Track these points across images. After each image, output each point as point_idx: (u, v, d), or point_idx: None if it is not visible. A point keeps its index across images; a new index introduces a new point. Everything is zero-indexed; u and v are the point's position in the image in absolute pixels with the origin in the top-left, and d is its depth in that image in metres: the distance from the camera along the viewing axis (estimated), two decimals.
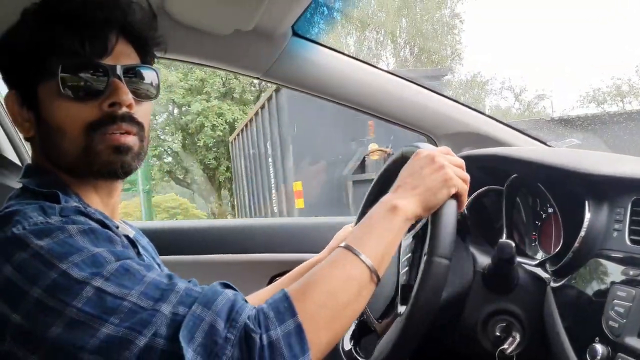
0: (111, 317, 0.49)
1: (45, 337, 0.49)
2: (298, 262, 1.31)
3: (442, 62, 13.60)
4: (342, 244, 0.61)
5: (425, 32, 13.41)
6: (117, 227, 0.64)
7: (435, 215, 0.65)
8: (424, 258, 0.64)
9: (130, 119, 0.62)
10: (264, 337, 0.50)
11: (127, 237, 0.65)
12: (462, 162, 0.69)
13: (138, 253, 0.66)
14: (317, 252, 1.01)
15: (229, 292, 0.54)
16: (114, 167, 0.61)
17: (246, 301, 0.55)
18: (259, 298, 0.91)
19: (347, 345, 0.88)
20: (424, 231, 0.72)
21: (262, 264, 1.31)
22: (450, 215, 0.64)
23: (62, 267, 0.50)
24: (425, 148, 0.70)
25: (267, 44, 1.05)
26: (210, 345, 0.49)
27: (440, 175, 0.65)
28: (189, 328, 0.49)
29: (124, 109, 0.61)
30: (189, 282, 0.57)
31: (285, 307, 0.53)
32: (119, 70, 0.61)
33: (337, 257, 0.59)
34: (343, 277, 0.57)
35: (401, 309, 0.73)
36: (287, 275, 0.96)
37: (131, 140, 0.62)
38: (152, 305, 0.50)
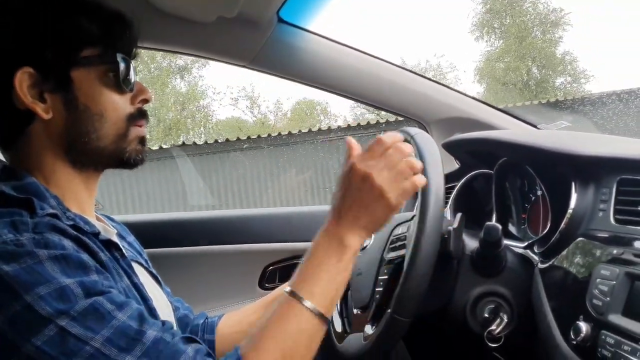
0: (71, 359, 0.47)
1: None
2: (292, 251, 1.32)
3: None
4: (287, 289, 0.59)
5: None
6: (98, 233, 0.62)
7: (409, 269, 0.64)
8: (388, 312, 0.66)
9: (147, 116, 0.68)
10: None
11: (109, 241, 0.63)
12: (406, 151, 0.63)
13: (122, 255, 0.65)
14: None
15: (190, 352, 0.53)
16: (140, 155, 0.67)
17: (209, 354, 0.55)
18: (239, 315, 0.90)
19: (339, 326, 0.89)
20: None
21: (256, 254, 1.32)
22: (422, 278, 0.64)
23: (27, 300, 0.48)
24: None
25: (252, 31, 1.04)
26: None
27: (383, 199, 0.60)
28: None
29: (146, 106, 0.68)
30: (163, 324, 0.56)
31: None
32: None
33: (285, 309, 0.58)
34: (294, 332, 0.56)
35: (368, 328, 0.75)
36: (265, 297, 0.95)
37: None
38: (115, 355, 0.49)
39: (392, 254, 0.81)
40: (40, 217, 0.55)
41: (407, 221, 0.83)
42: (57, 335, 0.47)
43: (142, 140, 0.67)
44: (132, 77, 0.65)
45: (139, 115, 0.66)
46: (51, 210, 0.57)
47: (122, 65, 0.63)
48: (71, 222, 0.58)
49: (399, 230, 0.83)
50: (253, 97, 12.71)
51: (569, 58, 13.25)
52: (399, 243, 0.80)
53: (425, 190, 0.66)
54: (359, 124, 6.49)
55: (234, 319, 0.89)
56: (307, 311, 0.57)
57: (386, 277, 0.78)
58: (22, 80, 0.58)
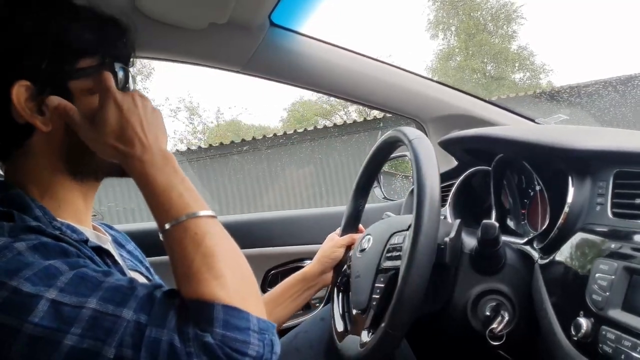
0: (72, 327, 0.47)
1: (9, 356, 0.47)
2: (293, 255, 1.31)
3: None
4: (170, 223, 0.55)
5: None
6: (86, 240, 0.62)
7: (402, 285, 0.63)
8: (382, 326, 0.65)
9: None
10: (214, 334, 0.49)
11: (99, 248, 0.63)
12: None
13: (115, 262, 0.64)
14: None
15: (176, 301, 0.52)
16: None
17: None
18: None
19: (340, 326, 0.89)
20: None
21: (257, 258, 1.31)
22: (416, 294, 0.63)
23: (13, 284, 0.48)
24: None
25: (245, 36, 1.04)
26: None
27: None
28: (150, 352, 0.48)
29: None
30: (153, 285, 0.54)
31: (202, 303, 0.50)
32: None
33: (194, 232, 0.54)
34: (230, 246, 0.55)
35: (364, 335, 0.75)
36: (277, 287, 0.96)
37: None
38: (113, 310, 0.49)
39: (388, 263, 0.81)
40: (18, 224, 0.55)
41: (403, 230, 0.83)
42: (51, 309, 0.47)
43: None
44: (131, 85, 0.65)
45: None
46: (33, 223, 0.56)
47: (120, 75, 0.63)
48: (57, 232, 0.58)
49: (395, 240, 0.83)
50: (192, 107, 12.50)
51: (526, 53, 13.15)
52: (395, 253, 0.81)
53: (420, 201, 0.65)
54: (354, 121, 6.49)
55: None
56: (209, 218, 0.56)
57: (382, 285, 0.79)
58: (20, 93, 0.58)
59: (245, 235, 1.33)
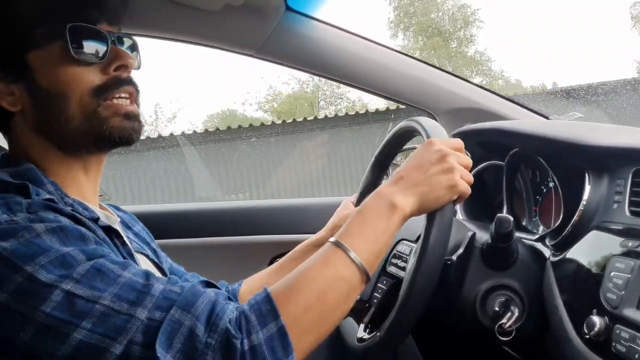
0: (83, 321, 0.47)
1: (15, 343, 0.47)
2: (298, 243, 1.31)
3: None
4: (333, 239, 0.57)
5: None
6: (97, 219, 0.61)
7: (402, 305, 0.61)
8: (378, 335, 0.63)
9: (132, 82, 0.63)
10: (245, 342, 0.48)
11: (109, 227, 0.62)
12: (470, 163, 0.64)
13: (123, 243, 0.64)
14: (316, 232, 1.00)
15: (210, 293, 0.52)
16: (127, 132, 0.61)
17: (230, 298, 0.54)
18: (258, 279, 0.91)
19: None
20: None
21: (262, 246, 1.31)
22: (414, 314, 0.61)
23: (28, 270, 0.47)
24: (438, 138, 0.64)
25: (260, 19, 1.02)
26: (189, 351, 0.47)
27: (447, 179, 0.60)
28: (167, 334, 0.47)
29: (126, 73, 0.62)
30: (168, 279, 0.54)
31: (267, 310, 0.51)
32: (115, 37, 0.62)
33: (327, 254, 0.56)
34: (332, 277, 0.54)
35: (361, 330, 0.74)
36: (288, 255, 0.96)
37: (136, 108, 0.63)
38: (126, 309, 0.48)
39: (392, 269, 0.80)
40: (35, 200, 0.54)
41: (411, 241, 0.82)
42: (64, 300, 0.47)
43: (126, 115, 0.61)
44: (96, 44, 0.59)
45: (114, 85, 0.60)
46: (47, 196, 0.56)
47: (73, 35, 0.58)
48: (69, 208, 0.57)
49: (402, 248, 0.81)
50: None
51: (484, 58, 13.23)
52: (400, 263, 0.79)
53: (431, 217, 0.62)
54: (366, 111, 6.45)
55: (254, 284, 0.89)
56: (350, 260, 0.55)
57: (384, 287, 0.78)
58: None
59: (251, 221, 1.33)
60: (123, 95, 0.61)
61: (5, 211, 0.51)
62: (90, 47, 0.59)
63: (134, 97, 0.63)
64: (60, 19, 0.59)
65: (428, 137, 0.67)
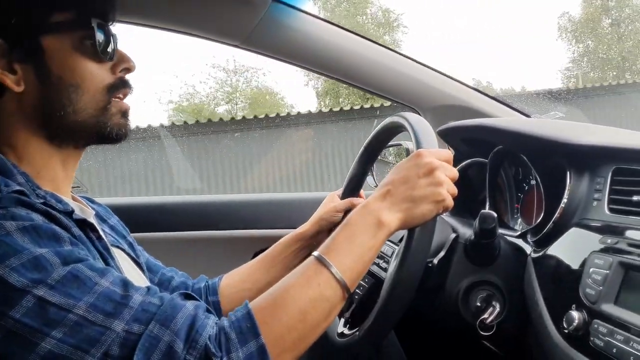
0: (53, 330, 0.45)
1: None
2: (280, 238, 1.30)
3: None
4: (316, 253, 0.56)
5: None
6: (72, 212, 0.59)
7: (382, 308, 0.61)
8: (356, 335, 0.63)
9: (130, 84, 0.65)
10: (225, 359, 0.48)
11: (84, 221, 0.60)
12: (456, 175, 0.64)
13: (99, 237, 0.62)
14: (297, 227, 0.99)
15: (190, 306, 0.51)
16: (123, 129, 0.63)
17: (209, 310, 0.53)
18: (239, 273, 0.90)
19: None
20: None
21: (246, 240, 1.30)
22: (393, 317, 0.61)
23: None
24: (426, 143, 0.63)
25: (246, 10, 1.00)
26: None
27: (434, 193, 0.59)
28: (145, 350, 0.46)
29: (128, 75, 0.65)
30: (148, 289, 0.52)
31: (248, 327, 0.50)
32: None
33: (310, 272, 0.55)
34: (315, 297, 0.53)
35: (341, 325, 0.74)
36: (271, 249, 0.95)
37: (129, 106, 0.65)
38: (101, 321, 0.46)
39: (374, 268, 0.80)
40: (5, 194, 0.52)
41: (393, 242, 0.82)
42: (35, 306, 0.45)
43: (125, 114, 0.63)
44: (112, 44, 0.61)
45: (121, 85, 0.63)
46: (17, 187, 0.54)
47: (98, 32, 0.59)
48: (41, 200, 0.55)
49: (384, 248, 0.81)
50: None
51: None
52: (382, 263, 0.79)
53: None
54: (351, 108, 6.48)
55: (236, 278, 0.88)
56: (333, 279, 0.55)
57: (366, 285, 0.78)
58: None
59: (233, 216, 1.31)
60: (125, 96, 0.65)
61: None
62: (107, 45, 0.61)
63: (127, 96, 0.65)
64: (85, 10, 0.59)
65: (416, 136, 0.66)
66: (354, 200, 0.98)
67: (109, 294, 0.48)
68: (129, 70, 0.64)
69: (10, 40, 0.55)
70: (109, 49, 0.61)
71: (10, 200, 0.51)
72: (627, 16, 14.58)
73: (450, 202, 0.61)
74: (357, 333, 0.65)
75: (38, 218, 0.51)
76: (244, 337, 0.49)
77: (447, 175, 0.61)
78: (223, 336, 0.49)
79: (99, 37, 0.59)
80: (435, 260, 0.74)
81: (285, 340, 0.51)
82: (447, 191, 0.61)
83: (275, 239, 1.37)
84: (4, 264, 0.46)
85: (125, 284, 0.50)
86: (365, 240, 0.57)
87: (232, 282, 0.88)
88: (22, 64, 0.57)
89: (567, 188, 0.72)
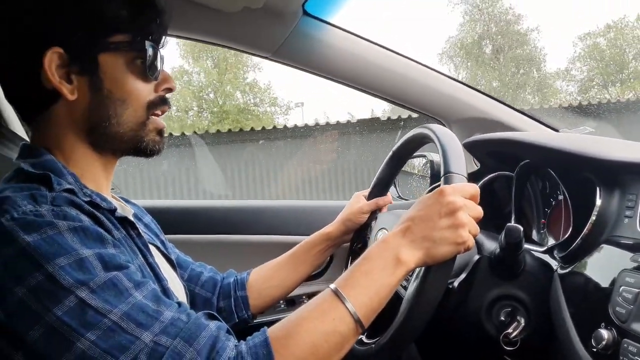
0: (88, 332, 0.47)
1: (25, 339, 0.48)
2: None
3: None
4: (333, 286, 0.57)
5: None
6: (115, 209, 0.63)
7: (402, 326, 0.61)
8: (372, 347, 0.63)
9: (169, 103, 0.69)
10: None
11: (125, 218, 0.64)
12: (480, 214, 0.62)
13: (138, 234, 0.65)
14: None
15: (212, 327, 0.53)
16: (157, 146, 0.67)
17: (229, 332, 0.55)
18: (268, 268, 0.93)
19: None
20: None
21: (270, 246, 1.31)
22: (411, 335, 0.61)
23: (49, 269, 0.48)
24: (452, 186, 0.61)
25: (277, 23, 1.03)
26: None
27: (455, 235, 0.59)
28: None
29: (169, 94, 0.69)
30: (179, 305, 0.55)
31: (264, 354, 0.52)
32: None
33: (325, 305, 0.56)
34: (327, 331, 0.54)
35: (361, 336, 0.72)
36: (299, 245, 0.96)
37: (165, 125, 0.69)
38: (133, 330, 0.49)
39: None
40: (58, 192, 0.56)
41: None
42: (77, 307, 0.48)
43: (160, 132, 0.67)
44: (159, 65, 0.66)
45: (161, 103, 0.67)
46: (68, 186, 0.57)
47: (150, 53, 0.63)
48: (88, 198, 0.59)
49: None
50: None
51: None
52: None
53: None
54: (378, 118, 6.49)
55: (264, 274, 0.91)
56: (347, 314, 0.55)
57: None
58: (52, 60, 0.59)
59: (260, 221, 1.33)
60: (163, 114, 0.68)
61: (30, 202, 0.52)
62: (155, 66, 0.65)
63: (164, 113, 0.69)
64: (141, 34, 0.63)
65: (445, 158, 0.65)
66: (380, 201, 0.99)
67: (142, 306, 0.51)
68: (170, 90, 0.68)
69: (71, 53, 0.60)
70: (156, 69, 0.65)
71: (63, 199, 0.55)
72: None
73: (471, 244, 0.60)
74: (374, 345, 0.65)
75: (86, 219, 0.54)
76: None
77: (470, 215, 0.60)
78: None
79: (150, 58, 0.63)
80: (456, 283, 0.73)
81: None
82: (469, 232, 0.60)
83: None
84: (54, 262, 0.49)
85: (158, 299, 0.53)
86: (383, 276, 0.58)
87: (260, 277, 0.90)
88: (78, 76, 0.61)
89: (596, 204, 0.71)
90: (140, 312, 0.50)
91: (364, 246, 0.96)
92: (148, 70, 0.64)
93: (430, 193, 0.62)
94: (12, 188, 0.54)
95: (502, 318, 0.71)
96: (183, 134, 6.26)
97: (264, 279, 0.90)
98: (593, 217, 0.70)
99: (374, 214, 0.99)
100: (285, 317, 0.56)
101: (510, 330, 0.68)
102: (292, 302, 1.28)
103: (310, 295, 1.27)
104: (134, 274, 0.54)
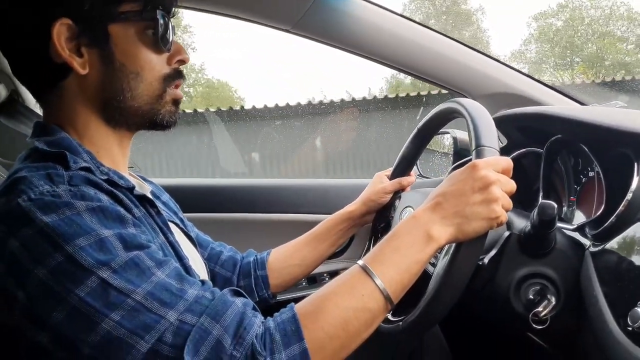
0: (112, 312, 0.47)
1: (48, 320, 0.47)
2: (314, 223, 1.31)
3: None
4: (361, 262, 0.56)
5: None
6: (133, 187, 0.62)
7: (431, 302, 0.60)
8: (399, 325, 0.62)
9: (184, 76, 0.67)
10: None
11: (144, 196, 0.63)
12: (513, 188, 0.60)
13: (158, 212, 0.65)
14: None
15: (239, 303, 0.53)
16: (174, 117, 0.65)
17: (255, 309, 0.54)
18: (288, 248, 0.92)
19: None
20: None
21: (289, 224, 1.32)
22: (440, 314, 0.60)
23: (68, 250, 0.47)
24: (484, 160, 0.60)
25: None
26: None
27: (488, 210, 0.57)
28: (195, 341, 0.48)
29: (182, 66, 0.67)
30: (203, 283, 0.54)
31: (292, 330, 0.51)
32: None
33: (354, 280, 0.55)
34: (357, 307, 0.53)
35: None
36: (321, 224, 0.96)
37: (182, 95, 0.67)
38: (157, 309, 0.48)
39: None
40: (75, 171, 0.55)
41: None
42: (99, 287, 0.47)
43: (176, 102, 0.66)
44: (170, 36, 0.63)
45: (176, 76, 0.65)
46: (84, 164, 0.57)
47: (161, 23, 0.61)
48: (105, 177, 0.58)
49: None
50: None
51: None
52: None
53: None
54: (397, 95, 6.38)
55: (284, 253, 0.91)
56: (377, 290, 0.55)
57: None
58: (60, 32, 0.57)
59: (276, 200, 1.33)
60: (176, 85, 0.66)
61: (47, 182, 0.52)
62: (167, 37, 0.63)
63: (179, 87, 0.67)
64: (151, 2, 0.61)
65: (476, 131, 0.62)
66: (403, 180, 0.97)
67: (165, 285, 0.50)
68: (183, 62, 0.66)
69: (80, 24, 0.58)
70: (168, 40, 0.63)
71: (80, 178, 0.54)
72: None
73: (504, 219, 0.59)
74: (401, 323, 0.65)
75: (104, 199, 0.54)
76: (288, 340, 0.51)
77: (503, 189, 0.59)
78: (268, 337, 0.51)
79: (161, 28, 0.61)
80: (486, 260, 0.72)
81: (326, 348, 0.52)
82: (503, 206, 0.58)
83: (317, 224, 1.38)
84: (73, 243, 0.48)
85: (181, 277, 0.52)
86: (413, 253, 0.57)
87: (280, 257, 0.90)
88: (88, 48, 0.59)
89: (634, 181, 0.68)
90: (164, 290, 0.50)
91: (387, 226, 0.95)
92: (160, 40, 0.62)
93: (462, 167, 0.60)
94: (27, 168, 0.54)
95: (531, 296, 0.70)
96: (195, 110, 6.26)
97: (284, 258, 0.90)
98: (629, 195, 0.67)
99: (396, 193, 0.98)
100: (310, 295, 0.56)
101: (540, 309, 0.67)
102: (314, 280, 1.28)
103: (331, 274, 1.27)
104: (156, 252, 0.53)
